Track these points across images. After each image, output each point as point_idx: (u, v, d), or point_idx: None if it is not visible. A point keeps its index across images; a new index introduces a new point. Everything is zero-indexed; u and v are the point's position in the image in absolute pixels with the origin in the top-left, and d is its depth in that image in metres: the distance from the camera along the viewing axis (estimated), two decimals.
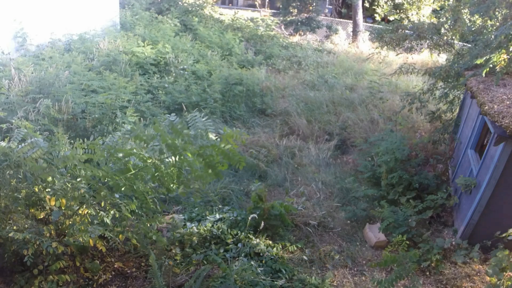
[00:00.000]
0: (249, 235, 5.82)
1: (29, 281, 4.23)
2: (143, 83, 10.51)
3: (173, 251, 5.36)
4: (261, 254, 5.53)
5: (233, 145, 3.84)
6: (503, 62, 5.73)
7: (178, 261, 5.21)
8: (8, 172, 4.01)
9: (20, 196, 4.24)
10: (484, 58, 5.88)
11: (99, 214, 4.62)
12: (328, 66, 15.35)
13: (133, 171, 4.10)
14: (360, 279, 5.53)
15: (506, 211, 5.53)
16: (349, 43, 20.52)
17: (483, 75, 6.01)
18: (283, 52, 17.07)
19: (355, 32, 20.51)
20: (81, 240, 4.25)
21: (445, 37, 8.67)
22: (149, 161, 4.02)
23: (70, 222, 4.41)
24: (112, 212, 4.72)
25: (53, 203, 4.16)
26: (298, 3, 21.02)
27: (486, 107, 5.40)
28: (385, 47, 9.38)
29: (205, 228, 5.75)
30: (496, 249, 5.00)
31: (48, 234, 4.18)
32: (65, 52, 11.09)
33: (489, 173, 5.42)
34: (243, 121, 10.47)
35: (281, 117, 10.58)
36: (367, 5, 23.57)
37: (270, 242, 5.88)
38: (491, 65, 5.79)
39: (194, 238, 5.60)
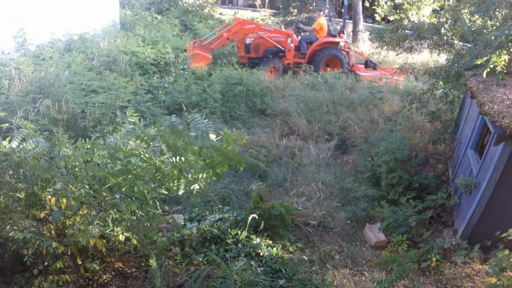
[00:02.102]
0: (249, 235, 5.82)
1: (29, 281, 4.23)
2: (143, 83, 10.52)
3: (173, 251, 5.36)
4: (261, 254, 5.53)
5: (233, 146, 3.84)
6: (503, 63, 5.73)
7: (178, 261, 5.21)
8: (8, 172, 4.00)
9: (20, 196, 4.24)
10: (485, 59, 5.88)
11: (99, 214, 4.62)
12: None
13: (133, 172, 4.10)
14: (360, 279, 5.53)
15: (506, 211, 5.53)
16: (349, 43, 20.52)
17: (484, 75, 6.01)
18: None
19: (355, 32, 20.53)
20: (81, 239, 4.25)
21: (445, 37, 8.67)
22: (151, 162, 4.02)
23: (70, 222, 4.41)
24: (112, 212, 4.72)
25: (53, 203, 4.16)
26: (298, 3, 21.05)
27: (486, 107, 5.40)
28: (385, 47, 9.38)
29: (205, 228, 5.75)
30: (496, 249, 5.00)
31: (48, 234, 4.18)
32: (65, 52, 11.10)
33: (489, 173, 5.42)
34: (243, 121, 10.47)
35: (281, 117, 10.57)
36: (367, 5, 23.58)
37: (270, 242, 5.89)
38: (491, 66, 5.79)
39: (194, 238, 5.60)
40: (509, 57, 5.81)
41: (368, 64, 14.52)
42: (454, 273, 5.43)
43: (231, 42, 13.37)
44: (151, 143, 3.98)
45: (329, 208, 7.03)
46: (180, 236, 5.57)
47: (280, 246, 5.88)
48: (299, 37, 14.37)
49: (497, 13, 7.62)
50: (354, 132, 9.80)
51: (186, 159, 3.91)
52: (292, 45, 13.66)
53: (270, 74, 13.04)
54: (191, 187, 4.19)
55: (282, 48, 13.45)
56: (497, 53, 5.77)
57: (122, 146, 4.21)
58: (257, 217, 5.81)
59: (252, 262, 5.28)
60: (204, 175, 4.07)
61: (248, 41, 13.32)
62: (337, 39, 14.02)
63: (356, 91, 12.11)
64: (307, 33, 14.64)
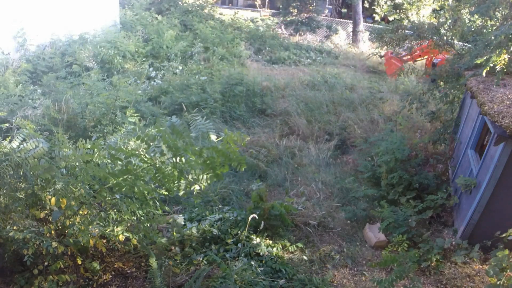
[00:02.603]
0: (249, 235, 5.82)
1: (29, 281, 4.23)
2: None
3: (173, 251, 5.36)
4: (261, 254, 5.53)
5: (233, 147, 3.82)
6: (503, 62, 5.73)
7: (178, 261, 5.20)
8: (8, 172, 4.00)
9: (20, 196, 4.24)
10: (485, 58, 5.88)
11: (99, 214, 4.62)
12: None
13: (134, 172, 4.09)
14: (360, 279, 5.53)
15: (506, 211, 5.54)
16: (349, 43, 20.52)
17: (483, 74, 6.01)
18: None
19: (355, 32, 20.51)
20: (81, 239, 4.25)
21: (445, 37, 8.67)
22: (151, 162, 4.01)
23: (70, 222, 4.40)
24: (112, 212, 4.72)
25: (53, 203, 4.16)
26: (298, 3, 21.02)
27: (486, 107, 5.41)
28: (385, 47, 9.38)
29: (205, 228, 5.75)
30: (496, 249, 5.00)
31: (48, 234, 4.18)
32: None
33: (489, 173, 5.42)
34: (243, 121, 10.47)
35: (281, 117, 10.57)
36: (366, 5, 23.57)
37: (270, 242, 5.89)
38: (491, 65, 5.80)
39: (194, 238, 5.60)
40: (508, 56, 5.82)
41: None
42: (454, 273, 5.43)
43: (421, 59, 14.83)
44: (151, 144, 3.97)
45: (329, 208, 7.03)
46: (180, 236, 5.57)
47: (280, 246, 5.88)
48: None
49: (497, 13, 7.62)
50: (354, 132, 9.80)
51: (187, 159, 3.90)
52: None
53: None
54: (192, 188, 4.19)
55: None
56: (497, 52, 5.77)
57: (122, 147, 4.20)
58: (257, 217, 5.81)
59: (252, 262, 5.28)
60: (205, 176, 4.06)
61: (435, 60, 14.49)
62: None
63: (356, 91, 12.12)
64: None
